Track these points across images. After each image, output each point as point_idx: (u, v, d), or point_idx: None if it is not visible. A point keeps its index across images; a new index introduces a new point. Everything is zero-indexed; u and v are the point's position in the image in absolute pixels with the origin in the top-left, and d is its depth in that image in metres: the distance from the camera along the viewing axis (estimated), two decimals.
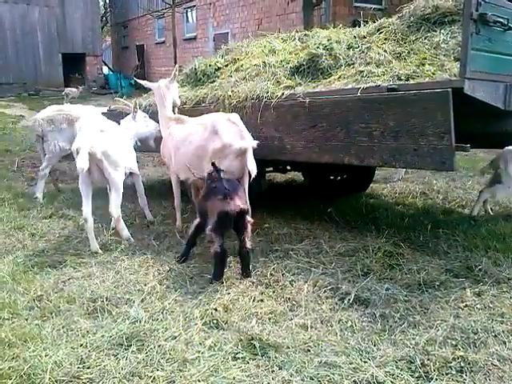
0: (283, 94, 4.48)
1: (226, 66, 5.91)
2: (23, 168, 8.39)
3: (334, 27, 5.76)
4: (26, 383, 2.39)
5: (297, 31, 6.20)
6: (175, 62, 18.05)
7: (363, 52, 4.66)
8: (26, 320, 3.08)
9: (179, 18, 21.48)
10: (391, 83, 3.79)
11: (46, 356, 2.57)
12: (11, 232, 4.72)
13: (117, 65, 30.95)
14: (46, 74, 27.22)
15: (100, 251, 4.21)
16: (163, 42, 24.97)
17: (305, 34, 5.86)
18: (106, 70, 30.59)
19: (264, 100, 4.55)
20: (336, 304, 3.14)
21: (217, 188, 3.61)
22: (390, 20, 4.95)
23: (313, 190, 6.09)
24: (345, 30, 5.49)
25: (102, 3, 34.26)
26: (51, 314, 3.13)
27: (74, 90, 19.78)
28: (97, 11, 30.37)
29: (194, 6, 22.00)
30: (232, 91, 4.99)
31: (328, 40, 5.03)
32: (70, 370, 2.46)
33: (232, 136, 4.11)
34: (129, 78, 25.67)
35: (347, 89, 4.05)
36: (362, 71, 4.29)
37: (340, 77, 4.46)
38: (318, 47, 4.93)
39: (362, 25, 5.39)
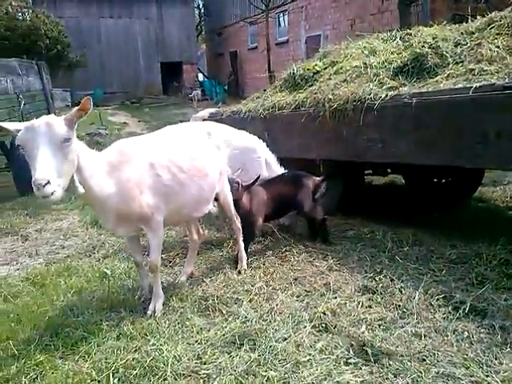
0: (387, 95, 4.37)
1: (325, 68, 5.89)
2: None
3: (437, 24, 5.54)
4: (150, 375, 2.55)
5: (398, 30, 6.03)
6: (269, 67, 18.34)
7: (473, 49, 4.43)
8: (143, 316, 3.28)
9: (271, 22, 21.77)
10: (507, 81, 3.56)
11: (166, 350, 2.73)
12: None
13: (211, 72, 32.04)
14: (146, 82, 28.91)
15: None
16: (256, 48, 25.45)
17: (407, 33, 5.69)
18: (200, 77, 31.80)
19: (367, 102, 4.48)
20: (450, 313, 3.00)
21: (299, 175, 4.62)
22: (501, 13, 4.67)
23: (415, 194, 5.88)
24: (450, 27, 5.26)
25: (197, 12, 35.65)
26: (166, 310, 3.31)
27: (199, 92, 21.97)
28: (192, 21, 31.77)
29: (286, 10, 22.19)
30: (332, 94, 4.95)
31: (433, 38, 4.85)
32: (188, 365, 2.60)
33: None
34: (223, 85, 26.51)
35: (457, 88, 3.86)
36: (473, 69, 4.08)
37: (448, 76, 4.27)
38: (422, 46, 4.77)
39: (468, 20, 5.13)
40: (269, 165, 4.96)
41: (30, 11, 18.71)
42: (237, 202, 4.10)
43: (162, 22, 29.75)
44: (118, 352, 2.79)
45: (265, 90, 7.02)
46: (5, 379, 2.64)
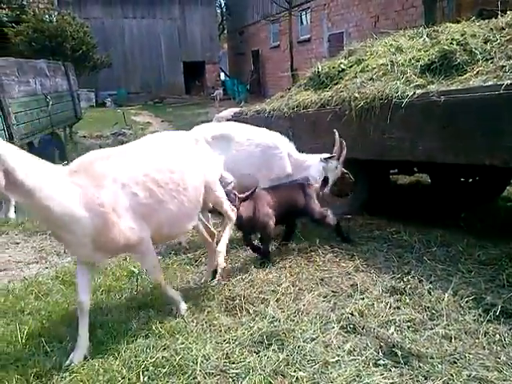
0: (415, 93, 4.32)
1: (350, 67, 5.84)
2: None
3: (465, 20, 5.45)
4: (179, 373, 2.57)
5: (424, 27, 5.95)
6: (291, 66, 18.26)
7: (503, 45, 4.35)
8: (169, 315, 3.30)
9: (294, 20, 21.68)
10: None
11: (194, 349, 2.75)
12: None
13: (233, 71, 32.10)
14: (168, 82, 29.09)
15: None
16: (278, 46, 25.40)
17: (433, 30, 5.61)
18: (222, 76, 31.89)
19: (394, 100, 4.43)
20: (480, 315, 2.95)
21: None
22: None
23: (442, 193, 5.80)
24: (479, 23, 5.16)
25: (219, 12, 35.76)
26: (193, 309, 3.32)
27: (221, 92, 22.39)
28: (215, 20, 31.83)
29: (309, 8, 22.07)
30: (359, 92, 4.92)
31: (462, 35, 4.77)
32: (217, 364, 2.61)
33: None
34: (245, 84, 26.54)
35: (488, 85, 3.79)
36: (504, 66, 4.00)
37: (478, 73, 4.20)
38: (450, 43, 4.70)
39: (497, 15, 5.03)
40: (291, 157, 4.93)
41: (56, 13, 19.04)
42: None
43: (185, 21, 29.92)
44: (147, 350, 2.82)
45: (288, 89, 7.00)
46: (38, 375, 2.69)
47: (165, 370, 2.61)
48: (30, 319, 3.35)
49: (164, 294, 3.30)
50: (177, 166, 3.14)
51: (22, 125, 7.43)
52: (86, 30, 19.24)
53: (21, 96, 7.77)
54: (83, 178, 2.68)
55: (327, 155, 4.79)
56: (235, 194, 3.98)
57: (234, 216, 3.82)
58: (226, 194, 3.82)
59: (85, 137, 12.98)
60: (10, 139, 6.65)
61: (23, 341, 3.05)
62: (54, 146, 9.25)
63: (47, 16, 18.34)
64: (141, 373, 2.59)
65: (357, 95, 4.89)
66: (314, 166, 4.80)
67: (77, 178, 2.67)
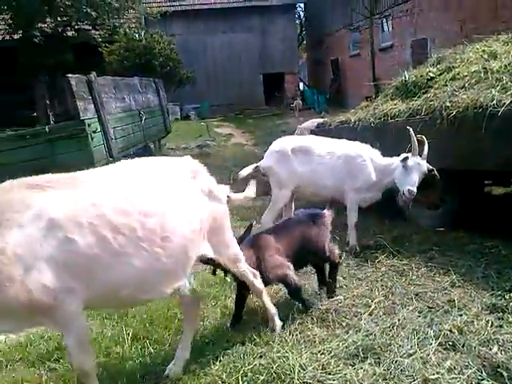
0: None
1: (440, 75, 5.71)
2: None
3: None
4: (277, 381, 2.64)
5: None
6: (373, 75, 17.99)
7: None
8: (262, 323, 3.36)
9: (375, 28, 21.35)
10: None
11: (291, 358, 2.80)
12: None
13: (312, 81, 32.13)
14: (248, 94, 29.65)
15: None
16: (358, 55, 25.09)
17: None
18: (301, 86, 32.02)
19: (489, 109, 4.27)
20: None
21: None
22: None
23: None
24: None
25: (298, 22, 36.03)
26: (286, 320, 3.36)
27: (300, 102, 22.91)
28: (294, 31, 32.13)
29: (390, 15, 21.64)
30: (450, 101, 4.79)
31: None
32: (314, 375, 2.65)
33: None
34: (325, 93, 26.45)
35: None
36: None
37: None
38: None
39: None
40: (375, 163, 4.84)
41: (144, 32, 20.19)
42: None
43: (264, 34, 30.44)
44: (245, 357, 2.91)
45: (372, 98, 6.95)
46: (143, 376, 2.88)
47: (263, 378, 2.67)
48: (134, 322, 3.58)
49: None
50: (155, 207, 2.42)
51: (119, 139, 7.97)
52: (172, 47, 20.18)
53: (117, 112, 8.34)
54: None
55: (404, 154, 4.56)
56: None
57: (259, 284, 3.18)
58: None
59: (172, 149, 13.55)
60: (109, 153, 7.16)
61: (129, 342, 3.27)
62: None
63: (137, 35, 19.47)
64: (240, 378, 2.69)
65: (448, 104, 4.77)
66: (398, 168, 4.65)
67: None
